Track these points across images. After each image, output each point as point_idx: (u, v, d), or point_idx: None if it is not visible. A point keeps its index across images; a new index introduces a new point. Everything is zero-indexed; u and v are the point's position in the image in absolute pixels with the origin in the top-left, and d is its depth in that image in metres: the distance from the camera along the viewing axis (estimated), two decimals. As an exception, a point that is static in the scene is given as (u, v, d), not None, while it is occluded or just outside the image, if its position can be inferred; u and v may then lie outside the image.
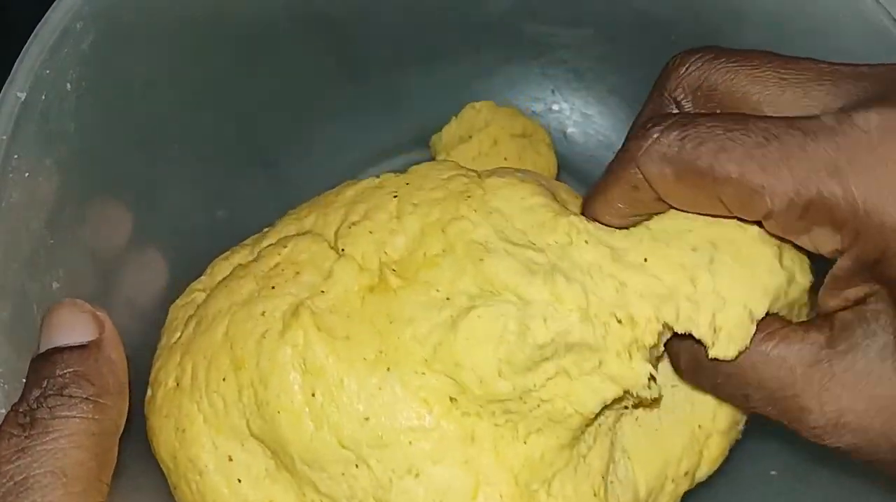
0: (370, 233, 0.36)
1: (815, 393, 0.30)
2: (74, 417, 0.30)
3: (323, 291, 0.35)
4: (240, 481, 0.35)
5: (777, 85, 0.31)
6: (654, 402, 0.36)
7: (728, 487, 0.45)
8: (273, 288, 0.36)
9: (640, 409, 0.37)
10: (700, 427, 0.37)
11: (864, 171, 0.28)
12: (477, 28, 0.51)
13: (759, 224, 0.32)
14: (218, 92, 0.45)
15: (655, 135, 0.31)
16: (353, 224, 0.37)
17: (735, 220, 0.33)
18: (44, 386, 0.31)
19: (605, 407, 0.33)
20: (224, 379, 0.35)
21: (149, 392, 0.38)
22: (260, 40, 0.46)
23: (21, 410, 0.30)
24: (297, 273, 0.36)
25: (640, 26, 0.49)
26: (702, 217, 0.33)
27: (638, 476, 0.36)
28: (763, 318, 0.32)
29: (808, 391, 0.30)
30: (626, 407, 0.35)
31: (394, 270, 0.35)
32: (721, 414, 0.37)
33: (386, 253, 0.35)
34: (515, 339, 0.32)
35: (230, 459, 0.35)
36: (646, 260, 0.33)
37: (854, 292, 0.31)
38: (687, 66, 0.33)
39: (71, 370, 0.31)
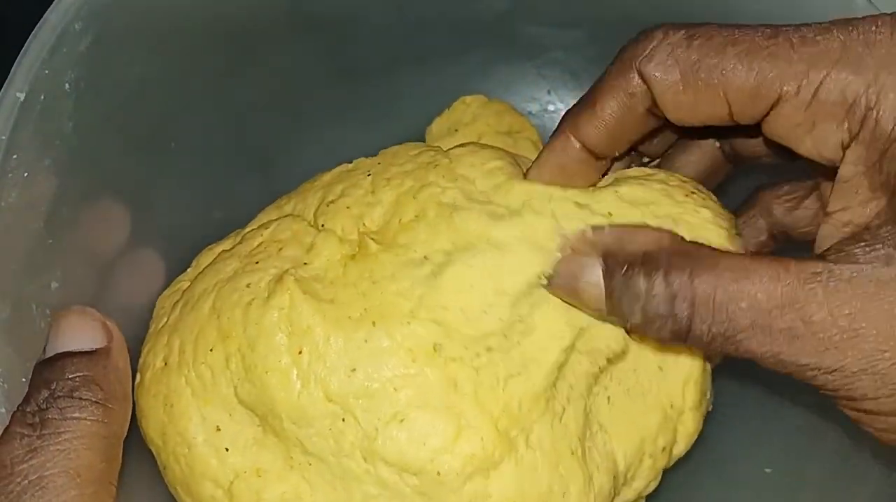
0: (348, 208, 0.38)
1: (823, 302, 0.28)
2: (85, 419, 0.30)
3: (305, 263, 0.36)
4: (227, 450, 0.35)
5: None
6: (622, 355, 0.37)
7: (722, 485, 0.45)
8: (257, 263, 0.37)
9: (612, 386, 0.37)
10: (672, 406, 0.38)
11: (875, 63, 0.28)
12: (472, 29, 0.51)
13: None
14: (214, 93, 0.45)
15: (660, 36, 0.30)
16: (331, 202, 0.38)
17: (692, 203, 0.36)
18: (52, 387, 0.31)
19: (575, 360, 0.35)
20: (211, 350, 0.35)
21: (137, 377, 0.38)
22: (255, 41, 0.46)
23: (29, 410, 0.31)
24: (280, 249, 0.37)
25: (634, 27, 0.49)
26: (663, 194, 0.36)
27: (616, 449, 0.37)
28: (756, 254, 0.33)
29: (814, 302, 0.28)
30: (598, 369, 0.36)
31: (373, 238, 0.36)
32: (689, 390, 0.38)
33: (364, 224, 0.37)
34: (497, 275, 0.34)
35: (218, 429, 0.35)
36: (610, 214, 0.36)
37: (857, 214, 0.30)
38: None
39: (81, 374, 0.31)
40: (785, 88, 0.29)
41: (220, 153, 0.47)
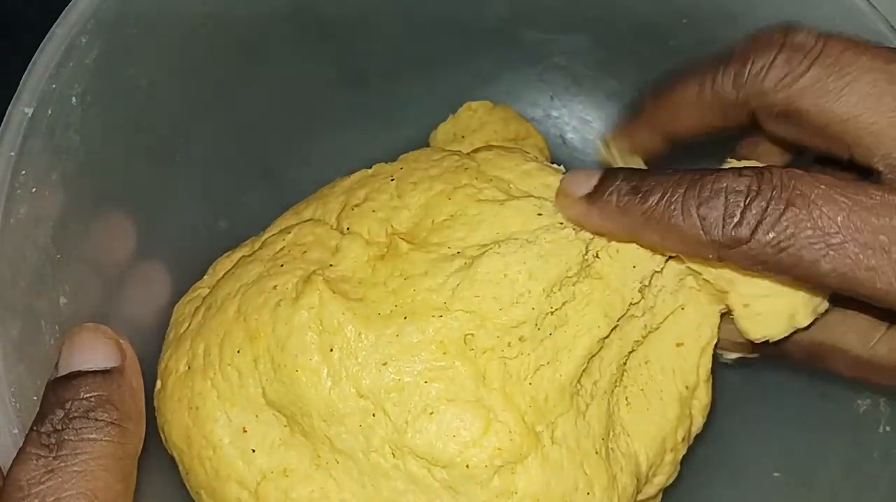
0: (373, 212, 0.38)
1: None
2: (101, 440, 0.30)
3: (332, 264, 0.36)
4: (254, 451, 0.35)
5: None
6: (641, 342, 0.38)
7: (731, 489, 0.45)
8: (282, 266, 0.37)
9: (629, 387, 0.38)
10: (687, 387, 0.38)
11: None
12: (475, 35, 0.51)
13: None
14: (221, 102, 0.45)
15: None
16: (356, 206, 0.39)
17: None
18: (67, 407, 0.31)
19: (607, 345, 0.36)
20: (239, 352, 0.35)
21: (158, 384, 0.38)
22: (261, 50, 0.46)
23: (44, 431, 0.30)
24: (305, 252, 0.37)
25: (637, 32, 0.49)
26: None
27: (638, 450, 0.37)
28: None
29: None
30: (623, 360, 0.37)
31: (402, 238, 0.36)
32: (704, 361, 0.38)
33: (392, 226, 0.37)
34: (531, 265, 0.34)
35: (244, 431, 0.35)
36: None
37: None
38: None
39: (96, 394, 0.31)
40: None
41: (226, 162, 0.47)
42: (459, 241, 0.36)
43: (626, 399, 0.37)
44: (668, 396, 0.38)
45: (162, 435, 0.38)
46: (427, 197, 0.38)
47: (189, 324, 0.38)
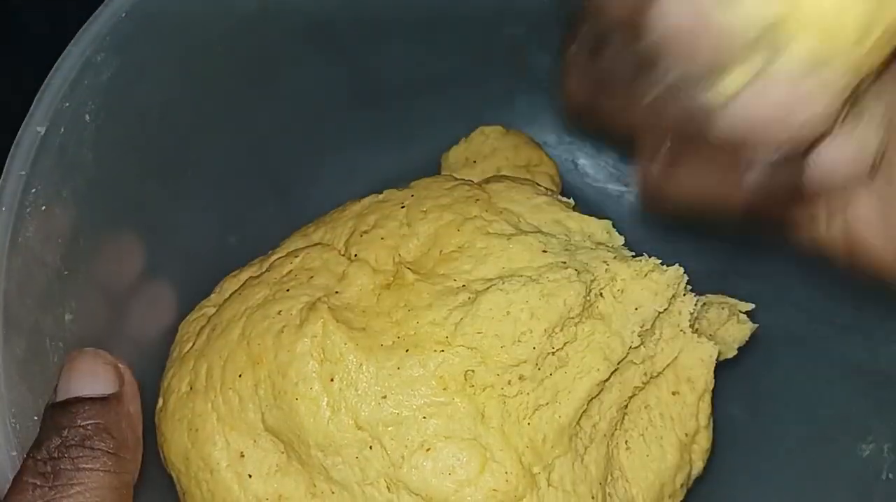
0: (382, 239, 0.38)
1: None
2: (98, 470, 0.30)
3: (337, 291, 0.36)
4: (250, 477, 0.35)
5: None
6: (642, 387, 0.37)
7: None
8: (288, 290, 0.37)
9: (629, 432, 0.37)
10: (687, 434, 0.38)
11: None
12: (490, 57, 0.51)
13: None
14: (233, 119, 0.45)
15: None
16: (364, 233, 0.38)
17: None
18: (64, 435, 0.31)
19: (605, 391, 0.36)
20: (240, 376, 0.35)
21: (159, 402, 0.38)
22: (274, 68, 0.46)
23: (40, 458, 0.30)
24: (311, 277, 0.37)
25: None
26: None
27: (636, 496, 0.37)
28: None
29: None
30: (624, 404, 0.37)
31: (409, 268, 0.36)
32: (703, 406, 0.38)
33: (400, 255, 0.37)
34: (534, 304, 0.34)
35: (242, 455, 0.35)
36: None
37: None
38: None
39: (93, 422, 0.31)
40: None
41: (237, 179, 0.47)
42: (465, 275, 0.36)
43: (626, 442, 0.37)
44: (668, 443, 0.37)
45: (161, 453, 0.38)
46: (436, 226, 0.38)
47: (193, 344, 0.38)
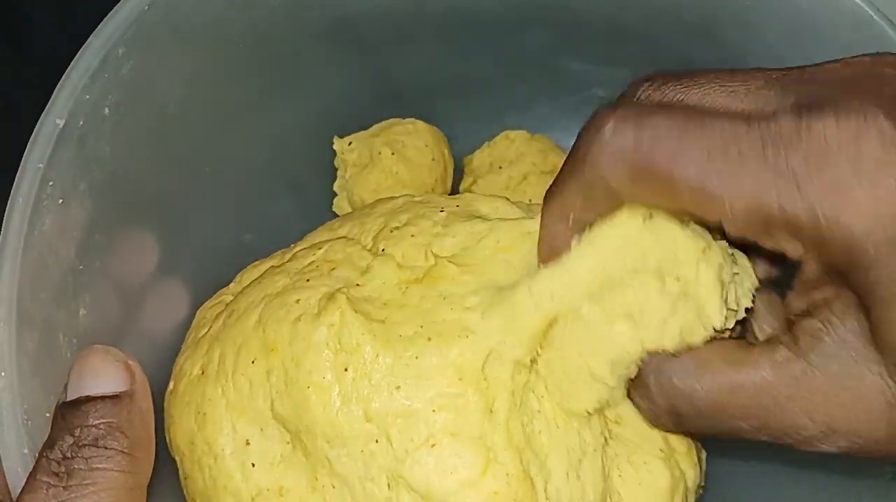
0: (412, 236, 0.37)
1: (802, 408, 0.30)
2: (112, 470, 0.30)
3: (358, 284, 0.36)
4: (254, 465, 0.35)
5: (727, 96, 0.30)
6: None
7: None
8: (308, 280, 0.36)
9: (617, 458, 0.36)
10: (661, 449, 0.37)
11: (824, 182, 0.27)
12: (514, 61, 0.51)
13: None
14: (252, 115, 0.45)
15: (608, 134, 0.29)
16: (395, 229, 0.38)
17: None
18: (76, 434, 0.30)
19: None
20: (253, 362, 0.35)
21: (170, 385, 0.38)
22: (296, 66, 0.46)
23: (53, 458, 0.30)
24: (333, 268, 0.37)
25: (675, 67, 0.48)
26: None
27: None
28: (725, 341, 0.32)
29: (794, 408, 0.30)
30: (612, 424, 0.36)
31: (450, 262, 0.35)
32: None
33: (433, 251, 0.36)
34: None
35: (247, 443, 0.35)
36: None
37: (821, 294, 0.30)
38: (637, 97, 0.32)
39: (105, 421, 0.31)
40: (735, 210, 0.28)
41: (254, 177, 0.46)
42: (516, 275, 0.35)
43: (618, 468, 0.36)
44: (654, 467, 0.36)
45: (167, 436, 0.37)
46: (479, 233, 0.37)
47: (209, 329, 0.38)
